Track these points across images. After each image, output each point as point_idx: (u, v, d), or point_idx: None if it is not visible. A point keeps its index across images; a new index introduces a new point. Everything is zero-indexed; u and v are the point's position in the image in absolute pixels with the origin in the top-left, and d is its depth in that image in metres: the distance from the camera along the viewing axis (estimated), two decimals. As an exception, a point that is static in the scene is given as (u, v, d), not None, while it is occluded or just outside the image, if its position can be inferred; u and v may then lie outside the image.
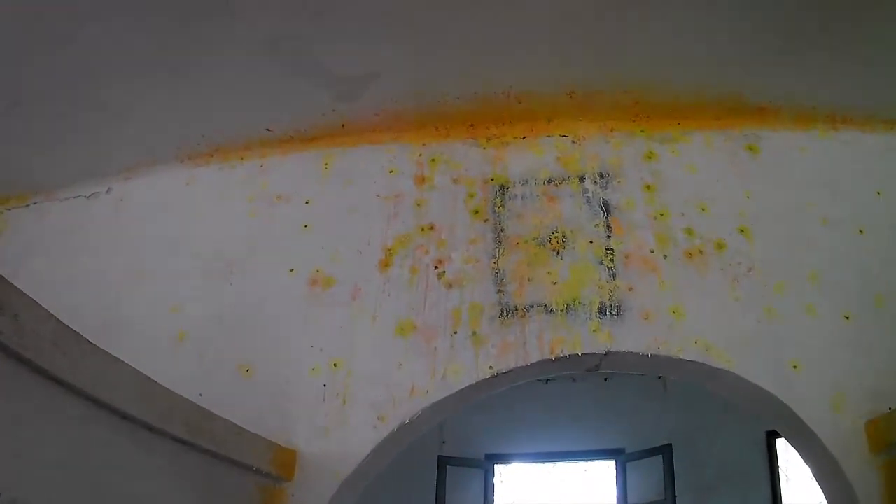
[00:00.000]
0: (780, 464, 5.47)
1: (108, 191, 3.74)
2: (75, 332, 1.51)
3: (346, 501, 2.57)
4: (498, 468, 6.29)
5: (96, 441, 1.62)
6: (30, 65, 2.99)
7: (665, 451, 5.97)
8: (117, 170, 3.70)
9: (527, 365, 2.47)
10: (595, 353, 2.50)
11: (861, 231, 2.96)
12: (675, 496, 5.82)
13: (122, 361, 1.69)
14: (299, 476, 2.48)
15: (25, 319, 1.35)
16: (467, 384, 2.47)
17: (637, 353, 2.52)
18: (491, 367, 2.49)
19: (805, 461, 2.91)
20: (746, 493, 5.72)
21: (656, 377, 5.72)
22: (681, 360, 2.55)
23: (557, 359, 2.48)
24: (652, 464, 5.95)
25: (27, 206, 3.86)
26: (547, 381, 6.17)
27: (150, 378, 1.80)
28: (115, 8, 2.69)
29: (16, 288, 1.33)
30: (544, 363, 2.49)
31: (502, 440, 6.18)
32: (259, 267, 2.98)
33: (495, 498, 6.15)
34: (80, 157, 3.68)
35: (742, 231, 2.83)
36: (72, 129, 3.45)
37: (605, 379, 6.21)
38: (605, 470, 6.45)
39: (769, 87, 3.12)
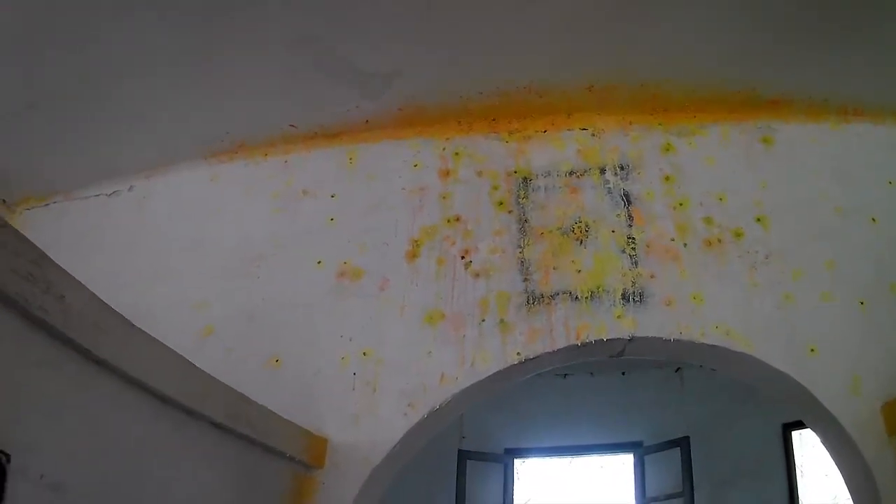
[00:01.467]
0: (796, 458, 5.49)
1: (130, 189, 3.80)
2: (119, 314, 1.55)
3: (376, 488, 2.63)
4: (517, 462, 6.35)
5: (136, 423, 1.67)
6: (50, 65, 3.06)
7: (683, 444, 6.02)
8: (139, 168, 3.76)
9: (554, 351, 2.54)
10: (620, 339, 2.58)
11: (874, 220, 3.02)
12: (693, 489, 5.88)
13: (164, 344, 1.73)
14: (330, 464, 2.54)
15: (71, 300, 1.39)
16: (496, 370, 2.54)
17: (660, 339, 2.59)
18: (519, 353, 2.56)
19: (823, 444, 2.98)
20: (763, 486, 5.76)
21: (674, 370, 5.80)
22: (702, 344, 2.62)
23: (584, 344, 2.56)
24: (670, 457, 6.01)
25: (46, 205, 3.92)
26: (565, 375, 6.25)
27: (189, 361, 1.84)
28: (137, 8, 2.75)
29: (62, 269, 1.37)
30: (570, 349, 2.56)
31: (521, 435, 6.26)
32: (286, 261, 3.05)
33: (514, 491, 6.20)
34: (101, 157, 3.74)
35: (759, 220, 2.90)
36: (92, 129, 3.50)
37: (623, 373, 6.26)
38: (622, 465, 6.51)
39: (782, 80, 3.18)
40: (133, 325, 1.61)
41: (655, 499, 6.10)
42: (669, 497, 5.99)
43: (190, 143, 3.59)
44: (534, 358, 2.54)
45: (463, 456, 6.03)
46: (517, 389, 6.10)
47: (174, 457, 1.84)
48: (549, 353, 2.54)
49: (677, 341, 2.59)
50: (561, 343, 2.55)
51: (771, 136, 3.22)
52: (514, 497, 6.22)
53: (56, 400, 1.40)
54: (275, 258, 3.07)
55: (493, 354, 2.57)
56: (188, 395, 1.82)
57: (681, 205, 2.88)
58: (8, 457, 1.19)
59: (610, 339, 2.56)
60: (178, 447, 1.86)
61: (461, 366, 2.57)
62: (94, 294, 1.46)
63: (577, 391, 6.32)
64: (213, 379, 1.97)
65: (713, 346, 2.64)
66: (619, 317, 2.60)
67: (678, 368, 5.09)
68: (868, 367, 2.70)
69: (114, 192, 3.82)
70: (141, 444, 1.69)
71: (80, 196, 3.88)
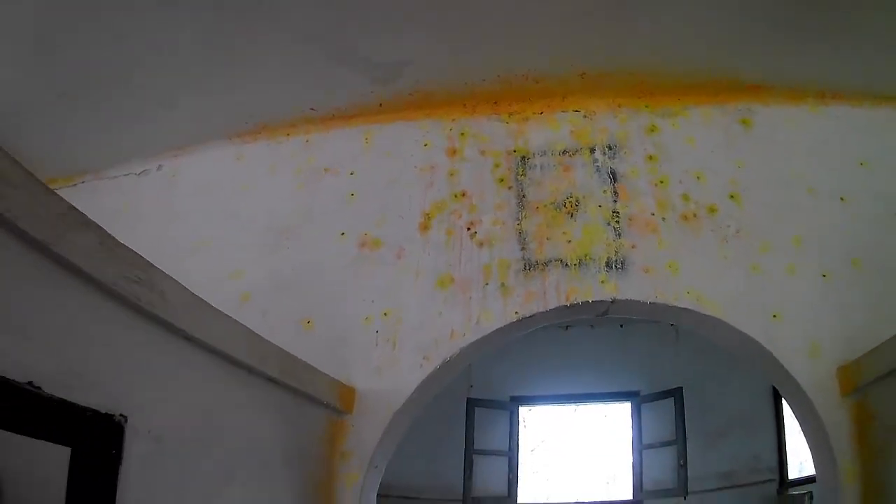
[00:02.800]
0: (784, 411, 5.77)
1: (159, 168, 4.09)
2: (201, 299, 1.92)
3: (397, 430, 3.06)
4: (522, 409, 6.80)
5: (214, 383, 2.06)
6: (81, 60, 3.36)
7: (676, 394, 6.42)
8: (166, 149, 4.06)
9: (546, 310, 2.95)
10: (603, 301, 2.98)
11: (843, 199, 3.28)
12: (685, 437, 6.27)
13: (233, 319, 2.11)
14: (358, 409, 2.95)
15: (168, 293, 1.77)
16: (497, 327, 2.95)
17: (639, 301, 2.98)
18: (517, 312, 2.97)
19: (786, 400, 3.34)
20: (753, 437, 6.13)
21: (669, 324, 6.20)
22: (676, 307, 3.01)
23: (572, 305, 2.96)
24: (664, 406, 6.43)
25: (74, 185, 4.18)
26: (567, 327, 6.61)
27: (252, 331, 2.23)
28: (166, 5, 3.03)
29: (161, 270, 1.75)
30: (561, 309, 2.97)
31: (526, 383, 6.69)
32: (312, 232, 3.41)
33: (519, 435, 6.67)
34: (129, 139, 4.03)
35: (732, 197, 3.22)
36: (121, 114, 3.80)
37: (621, 326, 6.64)
38: (622, 413, 6.92)
39: (762, 66, 3.42)
40: (211, 306, 1.99)
41: (651, 445, 6.54)
42: (664, 444, 6.42)
43: (215, 125, 3.91)
44: (530, 316, 2.95)
45: (471, 403, 6.49)
46: (522, 341, 6.48)
47: (241, 408, 2.25)
48: (543, 312, 2.95)
49: (654, 304, 2.99)
50: (553, 304, 2.95)
51: (750, 118, 3.49)
52: (520, 442, 6.69)
53: (159, 371, 1.80)
54: (302, 230, 3.44)
55: (495, 313, 2.98)
56: (252, 357, 2.21)
57: (661, 182, 3.24)
58: (126, 418, 1.58)
59: (595, 301, 2.96)
60: (244, 400, 2.26)
61: (468, 323, 2.98)
62: (183, 286, 1.84)
63: (577, 342, 6.71)
64: (269, 342, 2.35)
65: (686, 310, 3.02)
66: (603, 282, 2.99)
67: (674, 322, 5.49)
68: (827, 334, 2.99)
69: (143, 171, 4.11)
70: (217, 399, 2.09)
71: (109, 176, 4.17)
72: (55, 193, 1.41)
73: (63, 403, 1.40)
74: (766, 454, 6.14)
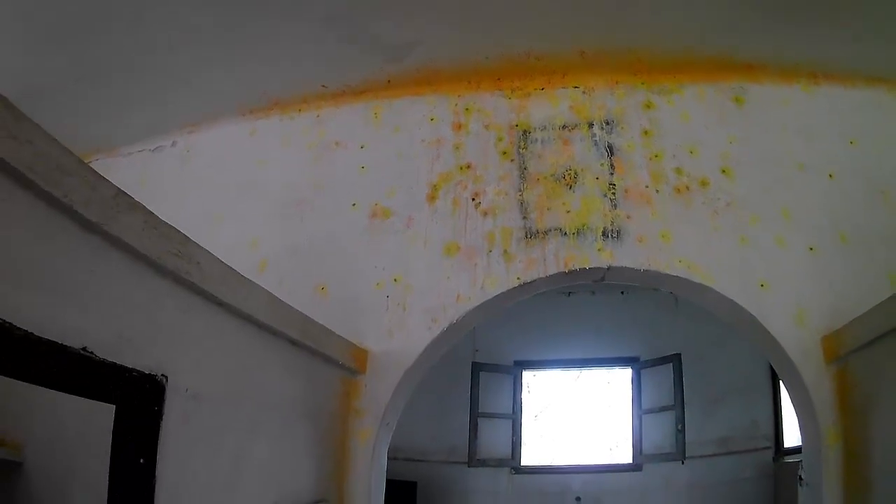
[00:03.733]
0: (781, 381, 6.02)
1: (174, 144, 4.23)
2: (232, 269, 2.11)
3: (407, 388, 3.28)
4: (525, 374, 7.06)
5: (243, 345, 2.26)
6: (99, 45, 3.49)
7: (675, 360, 6.65)
8: (180, 125, 4.19)
9: (546, 276, 3.15)
10: (600, 268, 3.17)
11: (831, 176, 3.42)
12: (683, 402, 6.51)
13: (260, 285, 2.30)
14: (370, 369, 3.16)
15: (204, 264, 1.95)
16: (500, 291, 3.15)
17: (632, 269, 3.18)
18: (518, 277, 3.17)
19: (774, 367, 3.51)
20: (750, 403, 6.37)
21: (668, 292, 6.38)
22: (668, 275, 3.20)
23: (570, 271, 3.16)
24: (663, 371, 6.67)
25: (89, 163, 4.32)
26: (569, 294, 6.82)
27: (275, 296, 2.41)
28: None
29: (197, 244, 1.93)
30: (560, 275, 3.17)
31: (529, 348, 6.94)
32: (326, 203, 3.59)
33: (522, 399, 6.95)
34: (143, 117, 4.16)
35: (724, 171, 3.38)
36: (136, 93, 3.93)
37: (622, 293, 6.85)
38: (622, 378, 7.18)
39: (756, 46, 3.53)
40: (240, 275, 2.17)
41: (650, 410, 6.79)
42: (662, 409, 6.66)
43: (229, 102, 4.04)
44: (531, 282, 3.15)
45: (476, 367, 6.75)
46: (525, 307, 6.72)
47: (266, 368, 2.45)
48: (543, 277, 3.15)
49: (647, 271, 3.18)
50: (552, 270, 3.15)
51: (743, 96, 3.62)
52: (523, 405, 6.96)
53: (195, 335, 1.99)
54: (315, 202, 3.61)
55: (498, 279, 3.18)
56: (275, 320, 2.40)
57: (656, 156, 3.41)
58: (166, 377, 1.77)
59: (592, 268, 3.16)
60: (269, 360, 2.46)
61: (473, 288, 3.18)
62: (216, 257, 2.03)
63: (579, 308, 6.94)
64: (290, 307, 2.54)
65: (677, 277, 3.22)
66: (599, 250, 3.19)
67: (673, 292, 5.67)
68: (812, 303, 3.16)
69: (157, 147, 4.24)
70: (245, 360, 2.29)
71: (123, 153, 4.29)
72: (106, 179, 1.57)
73: (112, 366, 1.59)
74: (763, 422, 6.38)
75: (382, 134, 3.69)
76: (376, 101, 3.80)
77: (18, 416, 2.06)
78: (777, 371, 3.48)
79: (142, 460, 1.68)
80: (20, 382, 1.60)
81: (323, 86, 3.85)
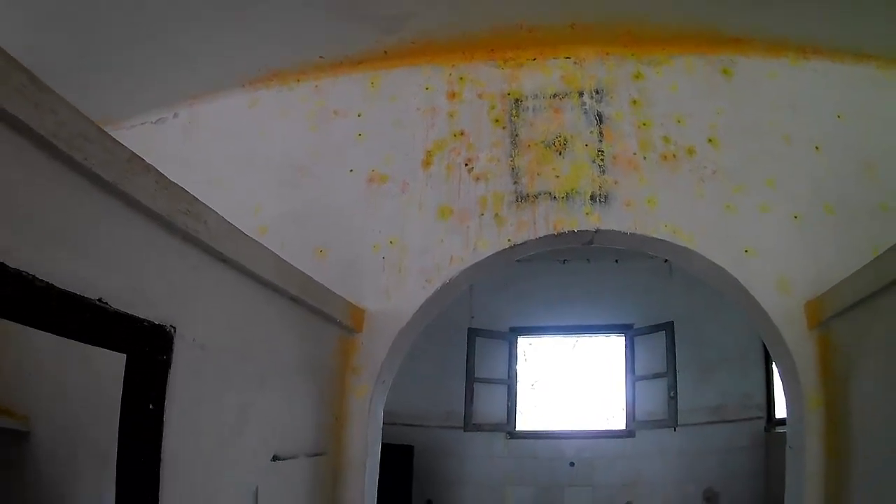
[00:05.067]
0: None
1: (175, 115, 4.31)
2: (237, 228, 2.23)
3: (402, 347, 3.41)
4: (521, 340, 7.20)
5: (247, 300, 2.39)
6: (100, 26, 3.61)
7: (668, 328, 6.77)
8: (182, 98, 4.27)
9: (536, 238, 3.27)
10: (588, 231, 3.30)
11: (818, 148, 3.50)
12: (675, 370, 6.64)
13: (262, 244, 2.42)
14: (367, 328, 3.30)
15: (210, 222, 2.07)
16: (492, 253, 3.27)
17: (620, 232, 3.30)
18: (509, 240, 3.29)
19: (758, 333, 3.60)
20: (742, 372, 6.51)
21: (663, 260, 6.37)
22: (654, 238, 3.32)
23: (559, 234, 3.29)
24: (656, 339, 6.79)
25: None
26: (564, 261, 6.91)
27: (277, 255, 2.54)
28: None
29: (204, 204, 2.05)
30: (549, 237, 3.29)
31: (524, 315, 7.07)
32: (324, 170, 3.70)
33: (517, 365, 7.10)
34: (146, 91, 4.23)
35: (711, 141, 3.48)
36: (139, 69, 4.01)
37: (616, 261, 6.95)
38: (616, 346, 7.32)
39: (745, 20, 3.59)
40: (244, 234, 2.30)
41: (643, 377, 6.92)
42: (655, 376, 6.79)
43: (229, 74, 4.13)
44: (521, 243, 3.27)
45: (472, 333, 6.89)
46: (520, 274, 6.79)
47: (268, 323, 2.58)
48: (533, 240, 3.27)
49: (633, 234, 3.31)
50: (542, 233, 3.28)
51: (731, 68, 3.69)
52: (518, 371, 7.11)
53: (203, 289, 2.12)
54: (314, 169, 3.72)
55: (490, 241, 3.30)
56: (277, 277, 2.53)
57: (644, 125, 3.51)
58: (175, 328, 1.89)
59: (580, 231, 3.28)
60: (271, 316, 2.59)
61: (466, 249, 3.30)
62: (222, 217, 2.15)
63: (574, 276, 7.04)
64: (291, 265, 2.67)
65: (663, 241, 3.34)
66: (587, 213, 3.31)
67: (667, 259, 5.72)
68: (796, 270, 3.26)
69: (160, 119, 4.33)
70: (249, 315, 2.42)
71: (126, 126, 4.36)
72: (121, 143, 1.70)
73: (125, 316, 1.70)
74: (755, 392, 6.51)
75: (379, 103, 3.79)
76: (373, 71, 3.89)
77: (25, 388, 2.15)
78: (762, 337, 3.58)
79: (151, 406, 1.80)
80: (27, 357, 1.70)
81: (321, 57, 3.94)
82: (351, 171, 3.63)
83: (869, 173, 3.46)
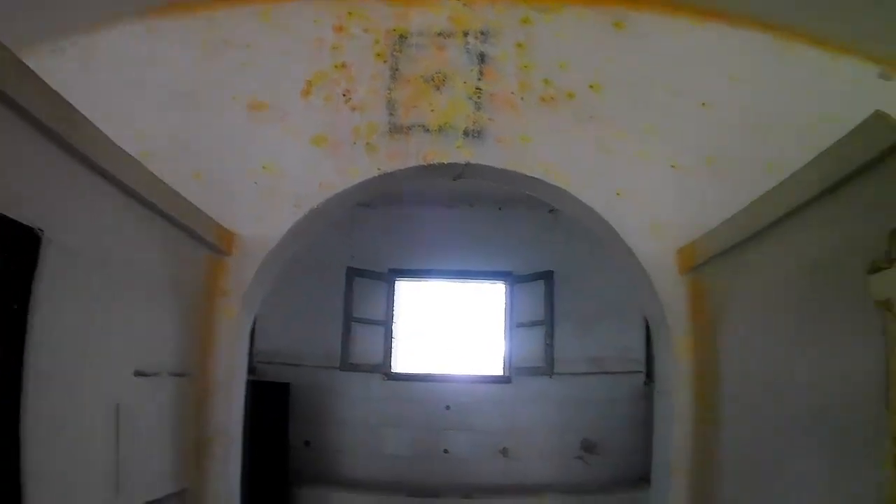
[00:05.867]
0: None
1: (73, 44, 4.22)
2: (111, 140, 2.27)
3: (270, 270, 3.44)
4: (400, 282, 7.16)
5: (116, 211, 2.41)
6: None
7: (547, 277, 6.83)
8: (80, 27, 4.12)
9: (405, 168, 3.31)
10: (458, 164, 3.35)
11: (704, 104, 3.58)
12: (553, 318, 6.72)
13: (136, 159, 2.49)
14: (237, 252, 3.31)
15: (86, 132, 2.10)
16: (361, 180, 3.31)
17: (490, 167, 3.36)
18: (379, 168, 3.32)
19: (630, 280, 3.64)
20: (624, 329, 6.63)
21: (548, 210, 6.46)
22: (525, 175, 3.39)
23: (430, 165, 3.33)
24: (535, 287, 6.84)
25: None
26: (449, 206, 6.89)
27: (150, 170, 2.59)
28: None
29: (80, 112, 2.08)
30: (419, 168, 3.33)
31: (405, 257, 7.04)
32: (209, 98, 3.65)
33: (395, 307, 7.10)
34: (44, 19, 4.04)
35: (592, 87, 3.54)
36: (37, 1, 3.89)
37: (500, 208, 6.97)
38: (496, 292, 7.33)
39: None
40: (118, 146, 2.32)
41: (522, 324, 6.98)
42: (534, 324, 6.85)
43: (128, 3, 4.03)
44: (390, 172, 3.31)
45: (351, 273, 6.78)
46: (403, 216, 6.85)
47: (136, 236, 2.60)
48: (402, 169, 3.31)
49: (504, 171, 3.36)
50: (412, 163, 3.32)
51: (623, 21, 3.72)
52: (396, 313, 7.09)
53: (73, 197, 2.13)
54: (200, 96, 3.67)
55: (360, 169, 3.33)
56: (148, 191, 2.56)
57: (526, 67, 3.55)
58: (42, 231, 1.91)
59: (450, 163, 3.33)
60: (141, 230, 2.63)
61: (336, 176, 3.33)
62: (97, 127, 2.18)
63: (457, 222, 7.03)
64: (162, 182, 2.71)
65: (536, 179, 3.40)
66: (459, 147, 3.36)
67: (552, 210, 5.70)
68: (670, 216, 3.34)
69: (57, 47, 4.23)
70: (117, 226, 2.44)
71: (24, 55, 4.07)
72: (5, 46, 1.73)
73: None
74: (635, 346, 6.64)
75: (269, 34, 3.75)
76: (265, 4, 3.84)
77: None
78: (633, 282, 3.65)
79: (15, 306, 1.84)
80: None
81: (217, -14, 3.90)
82: (233, 98, 3.61)
83: (753, 132, 3.56)
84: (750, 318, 2.90)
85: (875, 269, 1.93)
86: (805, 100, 3.67)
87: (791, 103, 3.65)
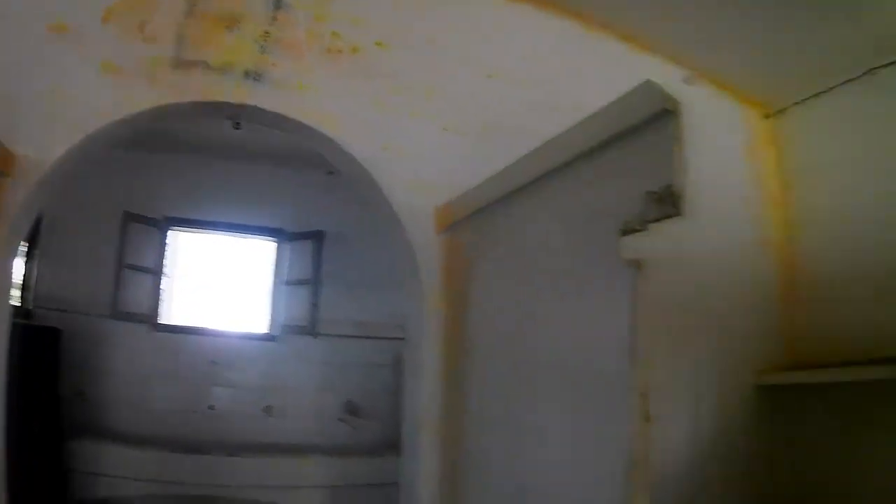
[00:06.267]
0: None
1: None
2: None
3: (39, 195, 3.47)
4: (175, 231, 7.26)
5: None
6: None
7: (317, 237, 7.06)
8: None
9: (181, 102, 3.49)
10: (232, 103, 3.53)
11: (490, 76, 3.79)
12: (320, 279, 6.98)
13: None
14: (17, 173, 3.33)
15: None
16: (137, 112, 3.46)
17: (265, 110, 3.56)
18: (158, 101, 3.49)
19: (390, 237, 3.88)
20: (389, 293, 6.23)
21: (327, 173, 6.45)
22: (298, 122, 3.58)
23: (206, 102, 3.50)
24: (305, 246, 7.09)
25: None
26: (228, 157, 6.99)
27: None
28: None
29: None
30: (194, 104, 3.52)
31: (182, 206, 7.09)
32: (10, 21, 3.70)
33: (168, 257, 7.20)
34: None
35: (378, 44, 3.73)
36: None
37: (278, 165, 7.14)
38: (267, 249, 7.53)
39: None
40: None
41: (289, 282, 7.20)
42: (300, 283, 7.09)
43: None
44: (165, 104, 3.48)
45: (127, 217, 6.77)
46: (180, 165, 6.97)
47: None
48: (177, 103, 3.49)
49: (278, 114, 3.57)
50: (188, 98, 3.49)
51: None
52: (168, 262, 7.19)
53: None
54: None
55: (139, 100, 3.48)
56: None
57: (319, 18, 3.71)
58: None
59: (225, 102, 3.52)
60: None
61: (117, 105, 3.47)
62: None
63: (236, 175, 7.15)
64: None
65: (309, 127, 3.60)
66: (237, 87, 3.53)
67: (331, 171, 5.77)
68: (433, 176, 3.55)
69: None
70: None
71: None
72: None
73: None
74: (401, 315, 6.88)
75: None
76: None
77: None
78: (391, 239, 3.85)
79: None
80: None
81: None
82: (35, 17, 3.68)
83: (540, 111, 3.68)
84: (502, 276, 3.14)
85: (628, 230, 2.05)
86: (600, 89, 3.66)
87: (585, 89, 3.73)
